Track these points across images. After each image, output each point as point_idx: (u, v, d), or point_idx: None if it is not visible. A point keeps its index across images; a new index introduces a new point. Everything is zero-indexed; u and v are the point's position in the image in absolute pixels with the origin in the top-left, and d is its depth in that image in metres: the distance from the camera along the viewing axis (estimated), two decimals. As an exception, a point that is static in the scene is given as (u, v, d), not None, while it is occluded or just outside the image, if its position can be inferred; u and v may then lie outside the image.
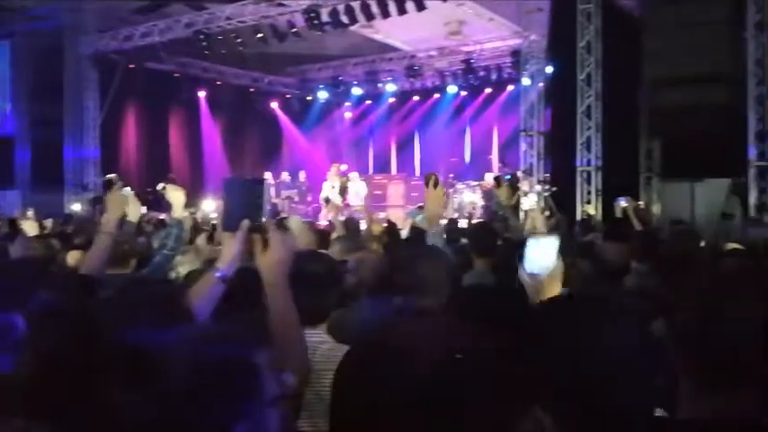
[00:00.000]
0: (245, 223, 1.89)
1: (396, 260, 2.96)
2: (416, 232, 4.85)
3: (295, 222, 4.91)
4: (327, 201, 14.76)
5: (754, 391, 1.46)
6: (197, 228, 6.85)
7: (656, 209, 13.24)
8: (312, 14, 13.53)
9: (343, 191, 15.83)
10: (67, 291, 2.37)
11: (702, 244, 5.72)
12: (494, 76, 18.61)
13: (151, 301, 1.81)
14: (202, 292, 1.95)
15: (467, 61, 18.22)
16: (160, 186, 5.59)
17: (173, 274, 4.47)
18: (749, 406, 1.45)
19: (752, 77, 10.62)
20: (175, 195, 3.75)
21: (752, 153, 10.88)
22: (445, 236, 4.03)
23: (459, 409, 1.02)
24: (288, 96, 21.86)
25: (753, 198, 10.89)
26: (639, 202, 12.40)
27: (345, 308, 2.91)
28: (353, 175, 16.77)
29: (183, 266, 4.44)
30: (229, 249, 1.94)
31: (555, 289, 2.01)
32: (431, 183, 3.42)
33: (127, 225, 3.82)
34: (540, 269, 1.98)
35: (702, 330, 1.54)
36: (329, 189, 15.89)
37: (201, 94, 19.61)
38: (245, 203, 1.93)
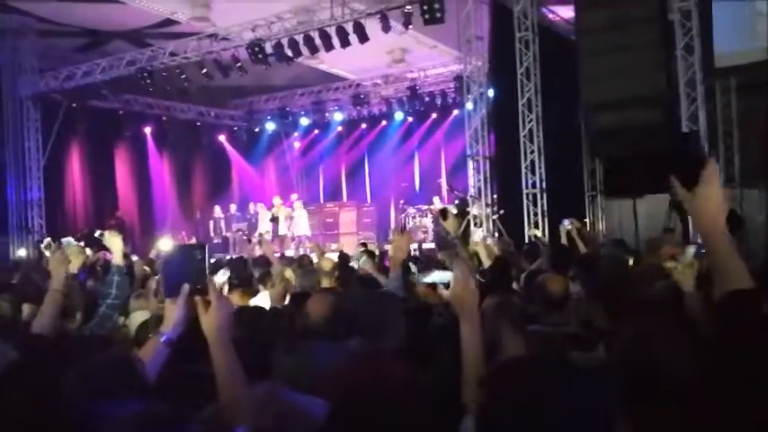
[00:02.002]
0: (186, 288, 1.97)
1: (349, 303, 3.03)
2: (368, 275, 4.94)
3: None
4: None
5: (678, 414, 1.55)
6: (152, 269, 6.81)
7: (601, 226, 13.62)
8: (256, 48, 13.60)
9: (290, 222, 15.87)
10: (30, 353, 2.41)
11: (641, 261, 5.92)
12: (439, 102, 18.95)
13: (107, 371, 1.86)
14: (148, 355, 2.02)
15: (412, 88, 18.52)
16: (98, 233, 5.59)
17: (122, 320, 4.45)
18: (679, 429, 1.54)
19: (684, 97, 11.04)
20: (114, 242, 3.79)
21: (687, 169, 11.24)
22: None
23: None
24: (235, 129, 21.83)
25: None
26: (585, 220, 12.75)
27: (296, 353, 2.95)
28: (297, 205, 16.83)
29: (136, 313, 4.43)
30: (172, 314, 2.01)
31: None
32: (398, 229, 3.59)
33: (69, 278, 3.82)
34: (439, 280, 2.08)
35: (632, 358, 1.63)
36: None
37: (147, 130, 19.46)
38: (187, 268, 2.00)
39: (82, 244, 5.33)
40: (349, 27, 12.73)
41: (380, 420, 1.48)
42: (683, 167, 1.74)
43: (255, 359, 2.43)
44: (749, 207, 11.80)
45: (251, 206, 18.03)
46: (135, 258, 7.27)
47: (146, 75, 14.78)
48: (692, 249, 3.87)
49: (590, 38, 11.00)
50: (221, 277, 4.52)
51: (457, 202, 14.00)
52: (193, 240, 17.01)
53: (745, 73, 11.51)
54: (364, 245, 7.56)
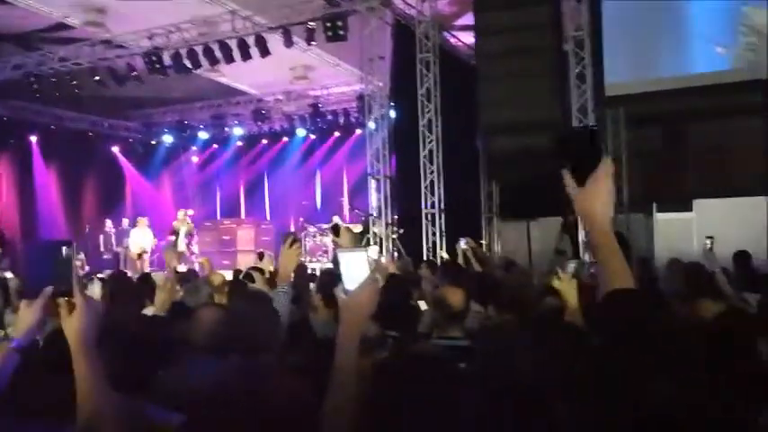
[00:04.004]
0: (48, 290, 1.78)
1: (229, 317, 2.88)
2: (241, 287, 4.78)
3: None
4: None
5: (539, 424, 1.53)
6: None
7: (497, 247, 13.90)
8: (153, 58, 13.18)
9: (191, 237, 15.38)
10: None
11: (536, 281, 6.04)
12: (341, 121, 18.94)
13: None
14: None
15: (314, 105, 18.44)
16: None
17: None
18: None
19: (576, 123, 11.46)
20: None
21: (579, 194, 11.66)
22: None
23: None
24: (130, 140, 21.06)
25: (581, 235, 11.66)
26: (481, 241, 12.99)
27: (173, 368, 2.78)
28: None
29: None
30: (27, 317, 1.82)
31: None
32: (287, 242, 3.46)
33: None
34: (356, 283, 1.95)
35: (491, 369, 1.60)
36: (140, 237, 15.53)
37: (33, 138, 18.43)
38: (50, 267, 1.80)
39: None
40: (250, 40, 12.55)
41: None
42: (579, 161, 1.71)
43: (129, 371, 2.25)
44: (635, 231, 12.34)
45: (124, 220, 17.39)
46: (9, 274, 6.82)
47: (33, 80, 14.04)
48: (572, 265, 3.99)
49: (489, 63, 11.28)
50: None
51: (363, 219, 13.94)
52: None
53: (634, 102, 12.09)
54: (261, 254, 7.37)
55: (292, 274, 3.56)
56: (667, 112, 13.35)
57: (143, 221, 16.39)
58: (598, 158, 1.67)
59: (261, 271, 4.67)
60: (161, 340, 2.62)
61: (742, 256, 6.21)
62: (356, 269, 1.96)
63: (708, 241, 5.29)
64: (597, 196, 1.67)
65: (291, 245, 3.46)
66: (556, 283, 3.58)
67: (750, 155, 13.52)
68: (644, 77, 11.23)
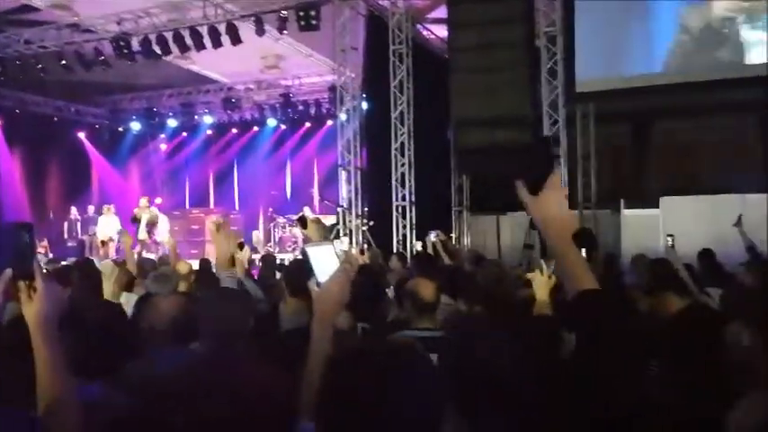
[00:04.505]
0: (7, 273, 1.75)
1: (191, 305, 2.84)
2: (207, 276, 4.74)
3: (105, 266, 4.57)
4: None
5: (513, 417, 1.53)
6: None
7: (466, 241, 13.99)
8: (121, 43, 12.95)
9: (152, 226, 15.16)
10: None
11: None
12: (313, 111, 18.83)
13: None
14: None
15: (285, 95, 18.30)
16: None
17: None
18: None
19: (547, 119, 11.54)
20: None
21: (548, 189, 11.76)
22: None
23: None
24: (97, 126, 20.71)
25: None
26: (451, 234, 13.05)
27: (139, 358, 2.74)
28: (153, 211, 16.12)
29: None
30: None
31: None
32: (215, 227, 3.40)
33: None
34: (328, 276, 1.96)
35: (466, 360, 1.60)
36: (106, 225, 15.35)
37: (-3, 122, 18.05)
38: (9, 250, 1.77)
39: None
40: (222, 28, 12.39)
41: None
42: (533, 171, 1.73)
43: (92, 358, 2.21)
44: (603, 227, 12.50)
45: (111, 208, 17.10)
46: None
47: (-4, 62, 13.73)
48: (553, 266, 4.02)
49: (461, 57, 11.28)
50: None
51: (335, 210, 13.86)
52: (45, 242, 15.94)
53: (604, 99, 12.23)
54: (241, 244, 7.31)
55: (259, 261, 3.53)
56: (636, 110, 13.54)
57: (110, 209, 16.17)
58: (551, 167, 1.73)
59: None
60: (126, 328, 2.57)
61: (706, 254, 6.34)
62: (326, 262, 1.96)
63: (669, 239, 5.38)
64: (552, 203, 1.71)
65: (218, 229, 3.40)
66: (532, 275, 3.61)
67: (716, 153, 13.77)
68: (614, 75, 11.35)
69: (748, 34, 10.66)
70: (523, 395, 1.53)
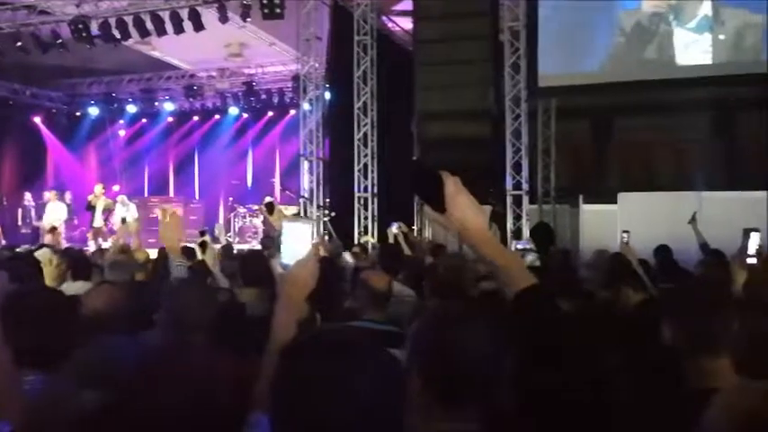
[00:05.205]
0: None
1: (146, 293, 2.80)
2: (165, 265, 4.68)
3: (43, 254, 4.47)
4: (123, 221, 13.85)
5: (480, 408, 1.53)
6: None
7: (428, 233, 14.02)
8: (80, 26, 12.65)
9: (108, 213, 14.90)
10: None
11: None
12: (276, 100, 18.65)
13: None
14: None
15: (248, 84, 18.11)
16: None
17: None
18: (475, 423, 1.52)
19: (509, 113, 11.63)
20: None
21: (509, 183, 11.90)
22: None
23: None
24: (54, 111, 20.23)
25: (509, 224, 11.88)
26: (413, 227, 13.07)
27: (87, 347, 2.68)
28: (121, 198, 15.82)
29: None
30: None
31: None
32: (164, 215, 3.40)
33: None
34: (296, 259, 1.90)
35: (437, 350, 1.60)
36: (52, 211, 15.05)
37: (-53, 104, 17.52)
38: None
39: None
40: (184, 13, 12.20)
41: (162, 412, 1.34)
42: (427, 192, 1.67)
43: (37, 347, 2.16)
44: (561, 222, 12.66)
45: (67, 195, 16.76)
46: None
47: (-52, 43, 13.31)
48: (530, 257, 4.06)
49: (426, 49, 11.31)
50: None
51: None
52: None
53: (565, 95, 12.35)
54: (203, 232, 7.23)
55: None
56: (597, 106, 13.71)
57: (53, 195, 15.81)
58: (439, 182, 1.63)
59: (188, 250, 4.57)
60: (70, 316, 2.51)
61: (662, 250, 6.45)
62: (296, 243, 1.91)
63: (624, 235, 5.45)
64: (463, 212, 1.63)
65: (165, 217, 3.39)
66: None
67: (674, 150, 14.03)
68: (576, 71, 11.46)
69: (680, 35, 10.87)
70: (497, 386, 1.53)
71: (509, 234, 11.61)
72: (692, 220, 7.00)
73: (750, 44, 10.54)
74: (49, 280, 3.90)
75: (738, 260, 3.10)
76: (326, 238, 12.00)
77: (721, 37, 10.62)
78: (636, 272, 4.14)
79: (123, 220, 13.22)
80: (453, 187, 1.63)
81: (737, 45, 10.60)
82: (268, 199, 15.86)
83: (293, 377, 1.23)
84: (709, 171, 12.58)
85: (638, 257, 4.99)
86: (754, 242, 3.05)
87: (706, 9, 10.63)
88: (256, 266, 4.42)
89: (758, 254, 3.04)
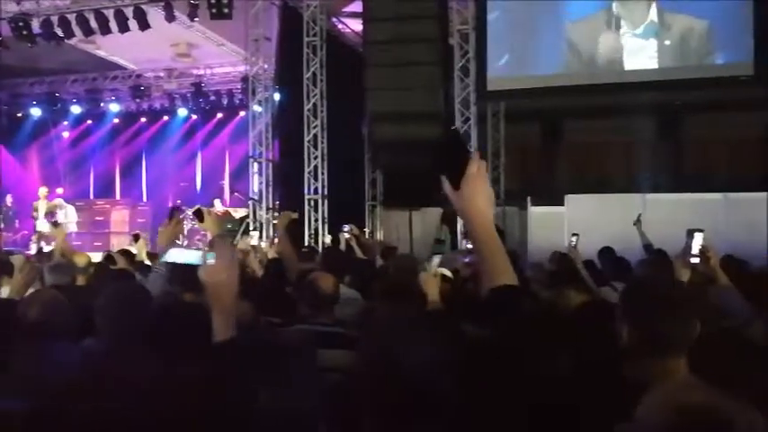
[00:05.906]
0: None
1: (85, 299, 2.71)
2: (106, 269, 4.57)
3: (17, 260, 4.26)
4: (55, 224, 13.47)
5: (433, 425, 1.51)
6: None
7: (379, 235, 14.03)
8: (20, 24, 12.29)
9: (51, 216, 14.53)
10: None
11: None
12: (225, 102, 18.40)
13: None
14: None
15: (197, 84, 17.83)
16: None
17: None
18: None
19: (458, 116, 11.71)
20: None
21: (459, 185, 11.96)
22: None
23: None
24: (-7, 111, 19.62)
25: (460, 225, 11.95)
26: (364, 229, 13.06)
27: (24, 355, 2.58)
28: (58, 202, 15.45)
29: None
30: None
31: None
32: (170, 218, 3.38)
33: None
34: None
35: (385, 363, 1.56)
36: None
37: None
38: None
39: None
40: (129, 12, 11.95)
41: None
42: (451, 164, 1.71)
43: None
44: (510, 223, 12.81)
45: (7, 198, 16.26)
46: None
47: None
48: (436, 260, 4.05)
49: (376, 51, 11.28)
50: None
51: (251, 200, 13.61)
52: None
53: (514, 98, 12.49)
54: (136, 236, 7.04)
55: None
56: (545, 110, 13.93)
57: None
58: (466, 159, 1.69)
59: (128, 253, 4.44)
60: (9, 324, 2.42)
61: (606, 251, 6.56)
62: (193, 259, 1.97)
63: (573, 238, 5.52)
64: (474, 195, 1.70)
65: (170, 221, 3.33)
66: (422, 276, 3.61)
67: (619, 154, 14.32)
68: (524, 74, 11.60)
69: (628, 40, 11.10)
70: (445, 393, 1.51)
71: (459, 235, 11.68)
72: (637, 222, 7.16)
73: (694, 49, 10.81)
74: (15, 286, 3.68)
75: (681, 260, 3.15)
76: (275, 240, 11.89)
77: (667, 42, 10.87)
78: (579, 273, 4.19)
79: (55, 224, 12.89)
80: (476, 169, 1.69)
81: (683, 50, 10.86)
82: (216, 204, 15.72)
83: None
84: (655, 173, 12.88)
85: (582, 259, 5.07)
86: (697, 242, 3.11)
87: (653, 15, 10.87)
88: (191, 272, 4.32)
89: (701, 253, 3.10)
